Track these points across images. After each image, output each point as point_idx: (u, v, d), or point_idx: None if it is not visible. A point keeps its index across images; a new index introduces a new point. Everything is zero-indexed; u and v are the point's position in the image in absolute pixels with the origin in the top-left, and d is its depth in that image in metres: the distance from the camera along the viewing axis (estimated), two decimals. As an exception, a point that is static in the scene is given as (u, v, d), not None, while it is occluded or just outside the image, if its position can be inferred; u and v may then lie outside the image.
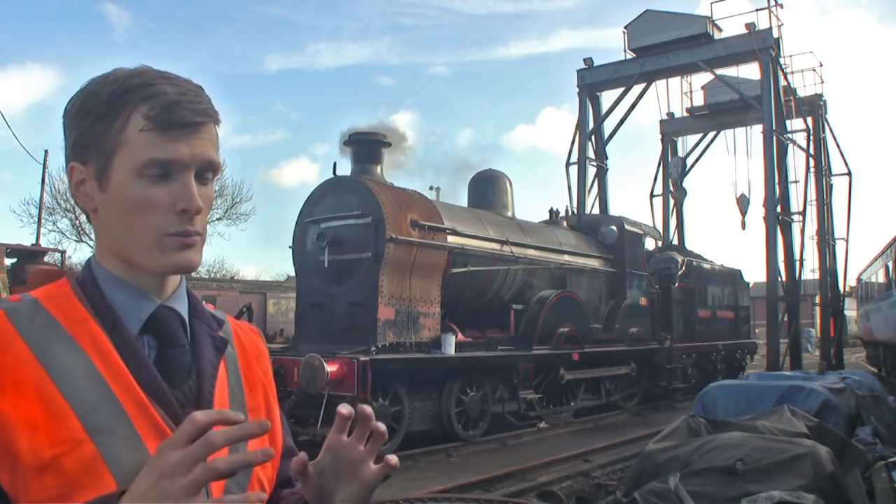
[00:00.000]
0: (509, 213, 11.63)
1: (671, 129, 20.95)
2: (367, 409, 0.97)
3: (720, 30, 17.15)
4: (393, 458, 0.98)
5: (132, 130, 0.92)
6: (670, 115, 20.74)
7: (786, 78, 17.00)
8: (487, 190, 11.69)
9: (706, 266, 16.69)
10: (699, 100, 20.43)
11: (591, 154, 18.09)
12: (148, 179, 0.92)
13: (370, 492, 1.00)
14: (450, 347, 9.09)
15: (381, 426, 0.98)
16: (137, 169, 0.92)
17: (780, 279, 15.72)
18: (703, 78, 19.54)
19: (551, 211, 13.31)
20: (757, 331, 25.50)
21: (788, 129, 16.82)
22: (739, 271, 18.35)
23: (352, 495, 0.98)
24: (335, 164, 9.43)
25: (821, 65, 24.06)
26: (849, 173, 19.62)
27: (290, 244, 9.71)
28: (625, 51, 17.79)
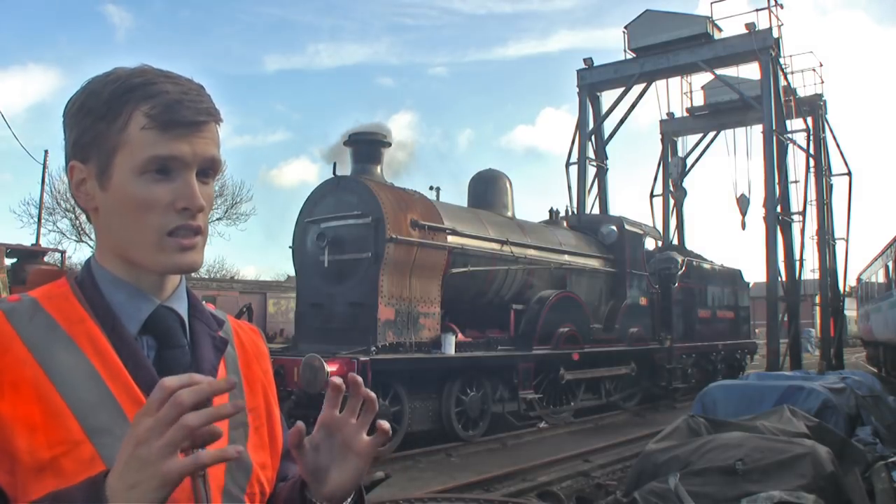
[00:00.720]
0: (509, 213, 11.63)
1: (671, 129, 20.95)
2: (357, 378, 0.97)
3: (720, 30, 17.16)
4: (385, 424, 0.97)
5: (134, 129, 0.92)
6: (670, 115, 20.74)
7: (786, 78, 17.00)
8: (487, 190, 11.69)
9: (706, 266, 16.69)
10: (699, 100, 20.43)
11: (591, 154, 18.09)
12: (149, 178, 0.92)
13: (366, 463, 0.99)
14: (450, 347, 9.09)
15: (371, 394, 0.97)
16: (139, 167, 0.92)
17: (780, 279, 15.72)
18: (703, 78, 19.56)
19: (551, 211, 13.31)
20: (757, 331, 25.49)
21: (788, 129, 16.82)
22: (739, 271, 18.35)
23: (348, 469, 0.98)
24: (335, 164, 9.44)
25: (821, 65, 24.11)
26: (849, 173, 19.63)
27: (290, 244, 9.72)
28: (625, 51, 17.80)
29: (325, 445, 0.98)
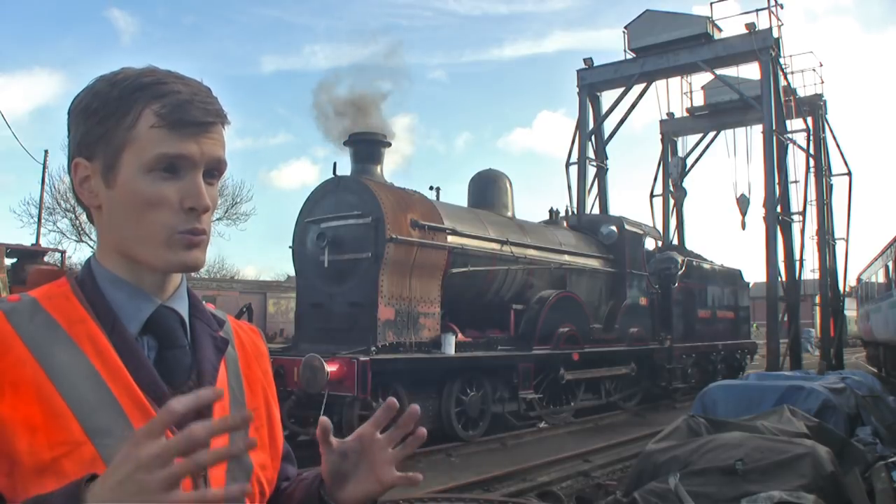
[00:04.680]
0: (509, 213, 11.62)
1: (671, 129, 20.94)
2: (416, 409, 1.00)
3: (720, 30, 17.15)
4: (417, 477, 1.01)
5: (143, 127, 0.92)
6: (670, 115, 20.73)
7: (786, 78, 16.99)
8: (487, 190, 11.68)
9: (706, 266, 16.69)
10: (699, 100, 20.41)
11: (591, 154, 18.08)
12: (157, 176, 0.92)
13: (383, 491, 1.03)
14: (450, 347, 9.08)
15: (422, 431, 1.00)
16: (147, 165, 0.92)
17: (780, 279, 15.71)
18: (703, 78, 19.54)
19: (551, 211, 13.30)
20: (757, 328, 25.47)
21: (788, 129, 16.81)
22: (739, 271, 18.35)
23: (365, 488, 1.02)
24: (335, 164, 9.45)
25: (821, 65, 24.09)
26: (849, 173, 19.62)
27: (290, 244, 9.71)
28: (625, 51, 17.78)
29: (352, 455, 1.01)
